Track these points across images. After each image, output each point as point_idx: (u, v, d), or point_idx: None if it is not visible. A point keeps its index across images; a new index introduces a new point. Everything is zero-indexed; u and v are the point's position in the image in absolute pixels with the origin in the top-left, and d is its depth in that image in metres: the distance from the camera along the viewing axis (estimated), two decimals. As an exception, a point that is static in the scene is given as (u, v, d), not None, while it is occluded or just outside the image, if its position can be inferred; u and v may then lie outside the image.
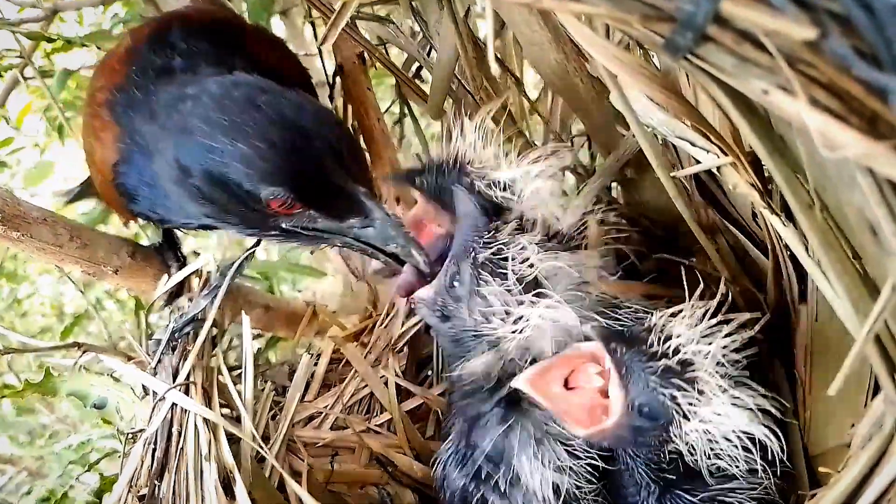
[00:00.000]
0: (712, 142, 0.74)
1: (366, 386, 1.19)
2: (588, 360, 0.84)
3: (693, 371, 0.74)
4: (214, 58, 0.99)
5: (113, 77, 1.03)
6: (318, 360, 1.20)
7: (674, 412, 0.74)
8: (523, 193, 0.89)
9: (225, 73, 0.92)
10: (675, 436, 0.76)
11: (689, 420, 0.74)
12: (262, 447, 0.99)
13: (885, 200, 0.51)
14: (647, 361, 0.75)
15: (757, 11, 0.48)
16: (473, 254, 0.86)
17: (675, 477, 0.82)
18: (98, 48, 1.44)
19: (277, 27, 1.59)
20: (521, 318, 0.83)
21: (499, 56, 1.26)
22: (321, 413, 1.15)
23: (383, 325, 1.25)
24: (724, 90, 0.58)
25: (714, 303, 0.77)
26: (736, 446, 0.75)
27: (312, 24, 1.45)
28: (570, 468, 0.87)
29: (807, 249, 0.71)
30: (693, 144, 0.77)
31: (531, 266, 0.84)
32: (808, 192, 0.63)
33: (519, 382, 0.83)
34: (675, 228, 1.05)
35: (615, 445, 0.83)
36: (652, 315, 0.79)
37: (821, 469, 0.83)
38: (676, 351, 0.75)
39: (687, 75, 0.85)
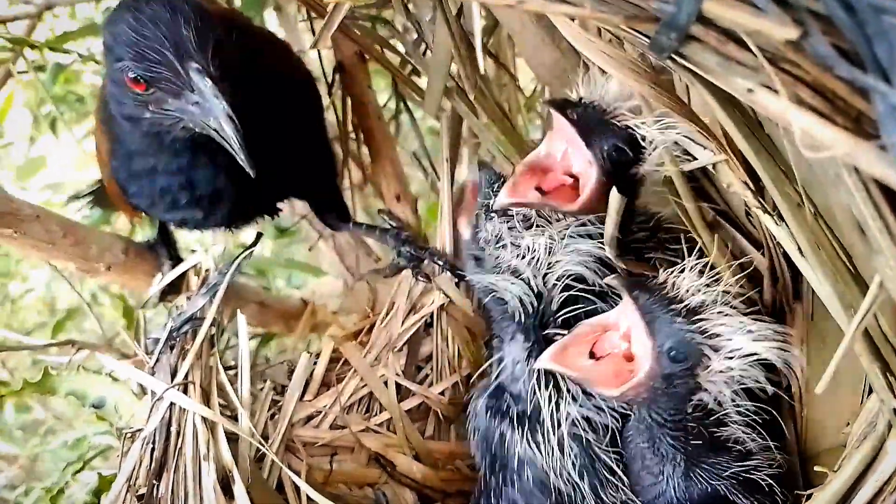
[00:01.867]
0: (706, 139, 0.74)
1: (365, 385, 1.19)
2: (601, 331, 0.87)
3: (708, 311, 0.77)
4: None
5: None
6: (317, 359, 1.20)
7: (702, 351, 0.77)
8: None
9: None
10: (703, 380, 0.79)
11: (713, 359, 0.77)
12: (262, 444, 0.99)
13: (871, 199, 0.51)
14: (669, 305, 0.78)
15: (739, 11, 0.48)
16: (488, 202, 0.95)
17: (700, 443, 0.84)
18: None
19: (271, 21, 1.58)
20: (528, 248, 0.93)
21: (493, 52, 1.26)
22: (320, 412, 1.15)
23: (383, 325, 1.24)
24: (710, 89, 0.58)
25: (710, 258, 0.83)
26: (752, 387, 0.79)
27: (312, 26, 1.45)
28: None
29: (799, 248, 0.71)
30: (691, 140, 0.77)
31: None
32: (796, 191, 0.63)
33: (542, 363, 0.86)
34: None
35: (648, 400, 0.84)
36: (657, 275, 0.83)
37: (816, 468, 0.83)
38: (690, 297, 0.78)
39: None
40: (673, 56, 0.54)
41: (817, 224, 0.63)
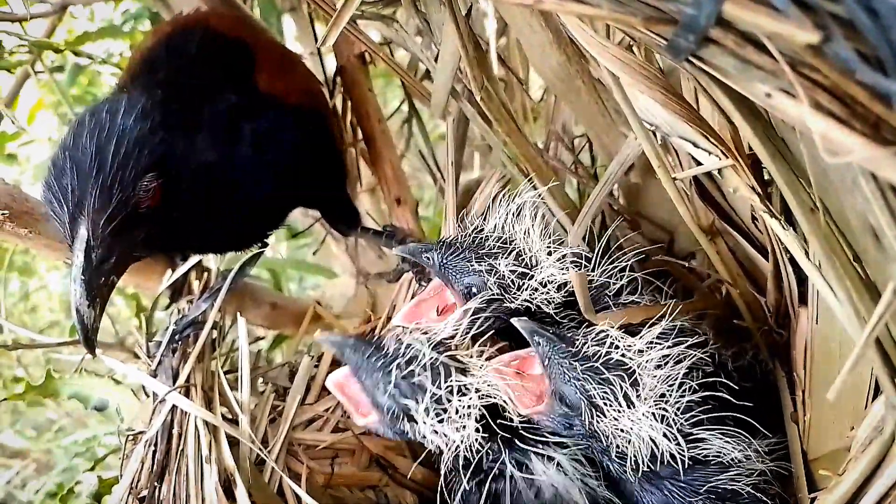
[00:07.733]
0: (713, 144, 0.74)
1: (366, 388, 1.18)
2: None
3: (597, 376, 0.80)
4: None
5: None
6: (318, 362, 1.20)
7: (585, 404, 0.80)
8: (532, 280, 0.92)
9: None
10: (597, 430, 0.81)
11: (602, 417, 0.80)
12: (261, 450, 0.98)
13: (888, 205, 0.51)
14: (566, 357, 0.82)
15: (759, 14, 0.48)
16: (385, 386, 0.87)
17: (649, 470, 0.83)
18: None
19: (288, 25, 1.58)
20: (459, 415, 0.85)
21: (501, 55, 1.26)
22: (321, 416, 1.15)
23: (386, 329, 1.24)
24: (726, 93, 0.58)
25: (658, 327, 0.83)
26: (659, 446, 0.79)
27: (314, 28, 1.45)
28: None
29: (807, 253, 0.71)
30: (695, 145, 0.77)
31: (419, 357, 0.87)
32: (810, 196, 0.63)
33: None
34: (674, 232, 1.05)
35: (553, 428, 0.87)
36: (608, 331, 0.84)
37: (821, 472, 0.83)
38: (606, 356, 0.81)
39: (687, 77, 0.85)
40: (690, 58, 0.54)
41: (830, 229, 0.63)
